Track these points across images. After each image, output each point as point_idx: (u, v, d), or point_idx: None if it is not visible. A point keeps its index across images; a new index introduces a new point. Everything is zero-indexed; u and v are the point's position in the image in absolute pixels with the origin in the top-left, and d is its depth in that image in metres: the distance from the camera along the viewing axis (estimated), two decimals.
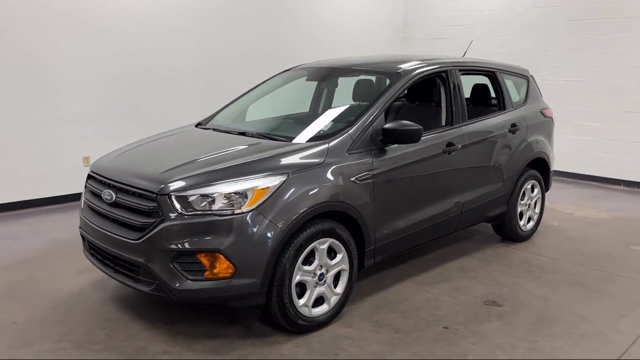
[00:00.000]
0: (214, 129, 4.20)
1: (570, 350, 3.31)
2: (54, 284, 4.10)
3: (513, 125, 4.86)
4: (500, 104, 4.98)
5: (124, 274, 3.34)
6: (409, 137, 3.67)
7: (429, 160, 4.05)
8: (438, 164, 4.15)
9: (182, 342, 3.31)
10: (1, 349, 3.21)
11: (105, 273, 3.49)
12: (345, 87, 4.82)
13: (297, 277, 3.29)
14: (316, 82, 5.01)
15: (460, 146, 4.26)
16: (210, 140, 3.97)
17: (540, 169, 5.29)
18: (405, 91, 5.09)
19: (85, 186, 3.73)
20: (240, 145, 3.69)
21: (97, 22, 6.14)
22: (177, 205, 3.08)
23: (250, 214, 3.09)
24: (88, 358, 3.12)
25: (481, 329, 3.54)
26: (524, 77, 5.38)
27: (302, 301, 3.34)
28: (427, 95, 4.54)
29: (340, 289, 3.56)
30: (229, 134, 4.00)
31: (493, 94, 5.09)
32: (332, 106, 4.94)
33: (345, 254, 3.53)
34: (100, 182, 3.53)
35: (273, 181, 3.20)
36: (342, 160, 3.52)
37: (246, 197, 3.12)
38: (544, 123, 5.31)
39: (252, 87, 4.92)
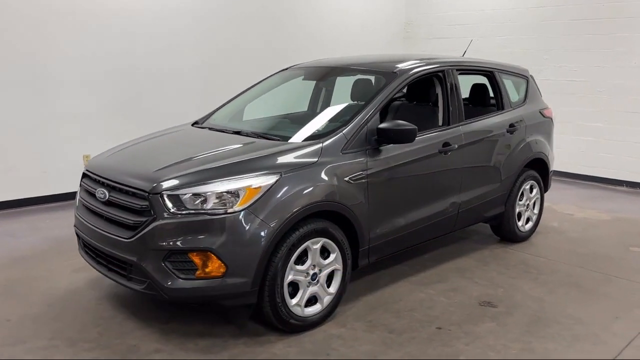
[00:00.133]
0: (209, 128, 4.21)
1: (563, 352, 3.29)
2: (51, 281, 4.11)
3: (511, 125, 4.84)
4: (499, 104, 4.96)
5: (116, 273, 3.35)
6: (403, 136, 3.66)
7: (424, 160, 4.04)
8: (434, 164, 4.13)
9: (174, 340, 3.32)
10: None
11: (99, 271, 3.50)
12: (344, 86, 4.82)
13: (289, 277, 3.29)
14: (313, 82, 5.00)
15: (456, 146, 4.25)
16: (205, 139, 3.98)
17: (539, 169, 5.26)
18: (404, 91, 5.13)
19: (80, 185, 3.74)
20: (234, 144, 3.69)
21: (97, 21, 6.16)
22: (169, 204, 3.09)
23: (242, 213, 3.09)
24: (80, 356, 3.13)
25: (475, 329, 3.53)
26: (524, 77, 5.35)
27: (294, 301, 3.34)
28: (424, 95, 4.52)
29: (333, 288, 3.55)
30: (224, 133, 4.00)
31: (492, 94, 5.07)
32: (330, 106, 4.92)
33: (339, 253, 3.52)
34: (95, 180, 3.54)
35: (265, 180, 3.19)
36: (336, 159, 3.52)
37: (238, 197, 3.12)
38: (543, 123, 5.28)
39: (249, 86, 4.92)
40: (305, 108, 5.17)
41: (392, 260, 4.53)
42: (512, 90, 5.23)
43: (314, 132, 3.77)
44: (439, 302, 3.91)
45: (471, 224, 4.87)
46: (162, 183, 3.14)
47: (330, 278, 3.55)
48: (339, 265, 3.55)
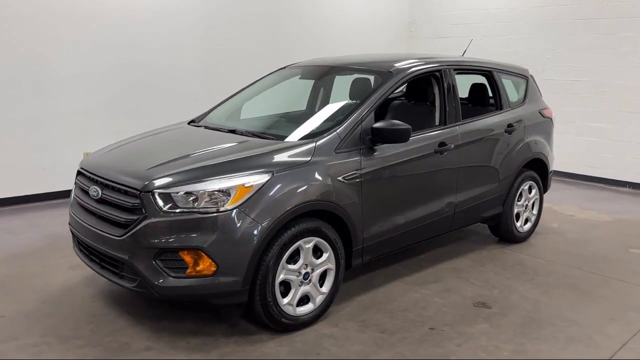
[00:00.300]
0: (205, 127, 4.21)
1: (556, 353, 3.27)
2: (46, 278, 4.13)
3: (509, 125, 4.82)
4: (497, 103, 4.94)
5: (109, 270, 3.36)
6: (397, 136, 3.64)
7: (419, 160, 4.02)
8: (429, 164, 4.12)
9: (166, 338, 3.32)
10: None
11: (92, 269, 3.51)
12: (343, 85, 4.80)
13: (281, 276, 3.28)
14: (310, 80, 4.99)
15: (452, 146, 4.23)
16: (200, 137, 3.98)
17: (539, 169, 5.23)
18: (403, 90, 5.12)
19: (75, 182, 3.75)
20: (228, 143, 3.69)
21: (98, 18, 6.18)
22: (160, 203, 3.09)
23: (233, 212, 3.09)
24: (71, 352, 3.14)
25: (467, 330, 3.51)
26: (523, 76, 5.32)
27: (286, 300, 3.34)
28: (422, 94, 4.51)
29: (326, 288, 3.55)
30: (218, 132, 4.00)
31: (491, 94, 5.04)
32: (328, 105, 4.91)
33: (332, 253, 3.52)
34: (89, 178, 3.55)
35: (257, 179, 3.19)
36: (329, 159, 3.51)
37: (229, 195, 3.12)
38: (543, 123, 5.24)
39: (247, 84, 4.92)
40: (304, 107, 5.16)
41: (388, 260, 4.52)
42: (511, 90, 5.20)
43: (308, 131, 3.75)
44: (433, 302, 3.89)
45: (468, 225, 4.85)
46: (153, 181, 3.14)
47: (323, 277, 3.54)
48: (331, 265, 3.54)
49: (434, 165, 4.15)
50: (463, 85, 5.07)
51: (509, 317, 3.70)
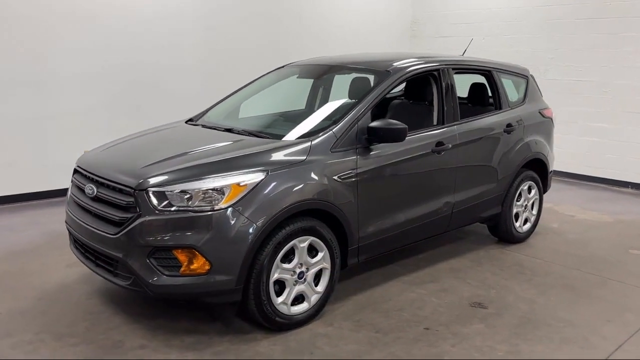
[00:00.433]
0: (202, 125, 4.21)
1: (550, 354, 3.26)
2: (44, 276, 4.15)
3: (508, 125, 4.80)
4: (497, 103, 4.92)
5: (103, 268, 3.37)
6: (393, 136, 3.64)
7: (416, 160, 4.01)
8: (427, 164, 4.10)
9: (160, 337, 3.33)
10: None
11: (88, 267, 3.52)
12: (342, 84, 4.80)
13: (275, 275, 3.28)
14: (307, 79, 4.99)
15: (450, 146, 4.22)
16: (196, 136, 3.99)
17: (539, 169, 5.21)
18: (402, 89, 5.11)
19: (72, 181, 3.77)
20: (224, 141, 3.69)
21: (98, 18, 6.19)
22: (155, 201, 3.10)
23: (227, 211, 3.09)
24: (65, 350, 3.15)
25: (462, 330, 3.50)
26: (523, 76, 5.30)
27: (280, 299, 3.34)
28: (420, 94, 4.50)
29: (321, 287, 3.54)
30: (215, 131, 4.01)
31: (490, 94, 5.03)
32: (326, 104, 4.90)
33: (327, 252, 3.51)
34: (84, 176, 3.56)
35: (251, 178, 3.19)
36: (324, 158, 3.51)
37: (223, 194, 3.12)
38: (543, 123, 5.22)
39: (245, 83, 4.92)
40: (303, 106, 5.16)
41: (385, 259, 4.51)
42: (511, 89, 5.18)
43: (305, 131, 3.74)
44: (429, 302, 3.89)
45: (466, 224, 4.84)
46: (148, 179, 3.15)
47: (318, 277, 3.54)
48: (327, 264, 3.54)
49: (431, 165, 4.14)
50: (464, 85, 5.07)
51: (505, 318, 3.69)
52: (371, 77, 4.41)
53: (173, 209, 3.09)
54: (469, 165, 4.46)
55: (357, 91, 4.51)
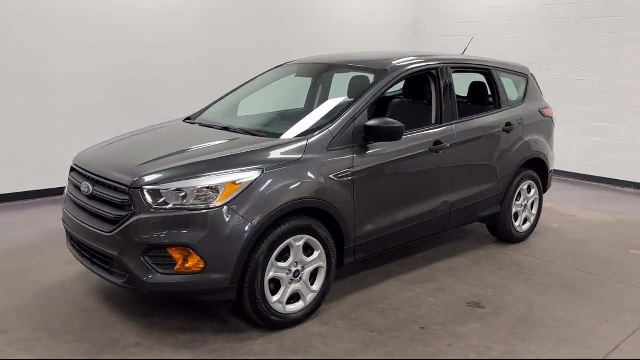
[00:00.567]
0: (200, 124, 4.21)
1: (547, 354, 3.24)
2: (41, 273, 4.15)
3: (508, 124, 4.77)
4: (496, 102, 4.89)
5: (99, 266, 3.37)
6: (390, 134, 3.63)
7: (414, 159, 3.99)
8: (424, 163, 4.09)
9: (155, 335, 3.33)
10: None
11: (84, 265, 3.53)
12: (341, 83, 4.78)
13: (270, 274, 3.28)
14: (306, 78, 4.98)
15: (448, 145, 4.20)
16: (193, 134, 3.98)
17: (538, 169, 5.18)
18: (401, 88, 5.10)
19: (69, 179, 3.77)
20: (220, 140, 3.69)
21: (99, 18, 6.20)
22: (149, 199, 3.10)
23: (221, 209, 3.09)
24: (60, 348, 3.15)
25: (459, 330, 3.49)
26: (523, 75, 5.27)
27: (275, 298, 3.33)
28: (418, 92, 4.49)
29: (317, 286, 3.53)
30: (211, 129, 4.01)
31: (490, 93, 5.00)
32: (324, 103, 4.89)
33: (323, 251, 3.50)
34: (81, 174, 3.57)
35: (246, 176, 3.19)
36: (321, 157, 3.50)
37: (218, 192, 3.11)
38: (543, 122, 5.19)
39: (244, 82, 4.92)
40: (302, 105, 5.15)
41: (383, 258, 4.50)
42: (511, 88, 5.16)
43: (302, 129, 3.72)
44: (426, 301, 3.87)
45: (465, 224, 4.82)
46: (143, 177, 3.15)
47: (314, 276, 3.53)
48: (322, 263, 3.53)
49: (429, 164, 4.13)
50: (464, 84, 5.05)
51: (502, 318, 3.67)
52: (370, 76, 4.39)
53: (168, 207, 3.09)
54: (467, 165, 4.44)
55: (357, 90, 4.47)
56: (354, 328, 3.47)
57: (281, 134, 3.67)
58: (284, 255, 3.35)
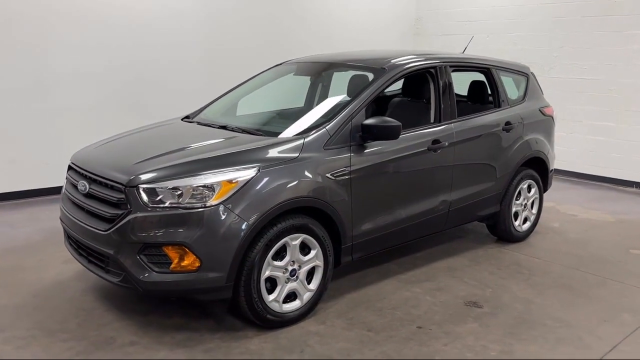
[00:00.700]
0: (198, 123, 4.21)
1: (544, 354, 3.22)
2: (39, 272, 4.16)
3: (507, 123, 4.75)
4: (496, 101, 4.87)
5: (95, 265, 3.37)
6: (387, 133, 3.61)
7: (412, 158, 3.98)
8: (422, 161, 4.07)
9: (152, 333, 3.32)
10: None
11: (81, 263, 3.53)
12: (341, 82, 4.77)
13: (266, 272, 3.27)
14: (304, 76, 4.97)
15: (447, 143, 4.18)
16: (190, 133, 3.98)
17: (539, 168, 5.16)
18: (401, 87, 5.09)
19: (66, 177, 3.77)
20: (217, 138, 3.69)
21: (99, 17, 6.20)
22: (145, 197, 3.09)
23: (217, 207, 3.08)
24: (56, 346, 3.15)
25: (456, 330, 3.47)
26: (524, 74, 5.25)
27: (271, 296, 3.33)
28: (417, 91, 4.48)
29: (314, 285, 3.53)
30: (209, 128, 4.00)
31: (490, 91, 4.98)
32: (323, 101, 4.88)
33: (320, 250, 3.49)
34: (78, 173, 3.57)
35: (242, 175, 3.18)
36: (318, 155, 3.49)
37: (214, 191, 3.11)
38: (543, 121, 5.17)
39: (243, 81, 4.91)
40: (301, 103, 5.14)
41: (381, 257, 4.48)
42: (511, 87, 5.14)
43: (298, 128, 3.72)
44: (423, 301, 3.86)
45: (464, 223, 4.80)
46: (139, 176, 3.14)
47: (311, 275, 3.52)
48: (319, 262, 3.52)
49: (427, 163, 4.11)
50: (464, 83, 5.03)
51: (500, 317, 3.65)
52: (369, 75, 4.38)
53: (164, 205, 3.08)
54: (466, 164, 4.42)
55: (356, 88, 4.48)
56: (350, 327, 3.46)
57: (279, 133, 3.66)
58: (280, 254, 3.34)
